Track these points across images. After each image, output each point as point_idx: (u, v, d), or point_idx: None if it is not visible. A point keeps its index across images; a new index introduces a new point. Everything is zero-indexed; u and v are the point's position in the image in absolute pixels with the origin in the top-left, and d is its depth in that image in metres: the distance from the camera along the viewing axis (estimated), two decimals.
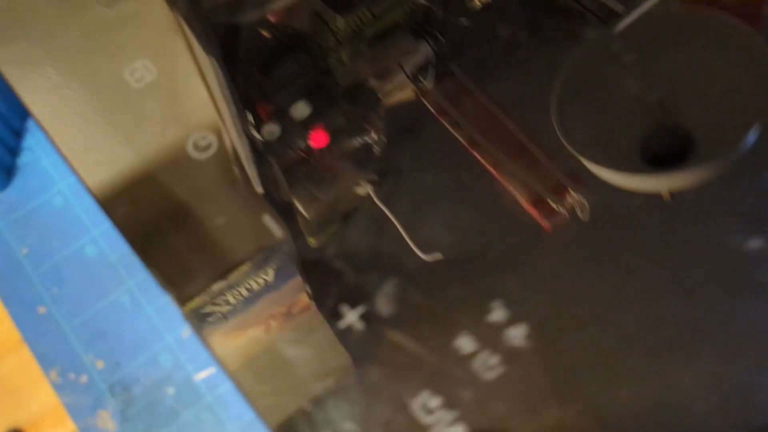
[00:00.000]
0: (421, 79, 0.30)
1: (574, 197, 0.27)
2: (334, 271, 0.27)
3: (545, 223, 0.26)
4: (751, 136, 0.26)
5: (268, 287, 0.26)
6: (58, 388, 0.40)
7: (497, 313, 0.25)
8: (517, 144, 0.28)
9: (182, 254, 0.27)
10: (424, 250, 0.26)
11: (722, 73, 0.28)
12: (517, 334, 0.24)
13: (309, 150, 0.28)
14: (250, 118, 0.30)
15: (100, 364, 0.41)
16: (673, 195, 0.27)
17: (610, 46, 0.29)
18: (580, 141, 0.27)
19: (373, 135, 0.29)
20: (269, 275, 0.26)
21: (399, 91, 0.30)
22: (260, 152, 0.29)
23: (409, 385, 0.24)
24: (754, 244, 0.25)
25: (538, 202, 0.27)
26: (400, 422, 0.23)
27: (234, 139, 0.29)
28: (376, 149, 0.29)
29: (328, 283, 0.26)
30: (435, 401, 0.23)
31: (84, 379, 0.40)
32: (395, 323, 0.25)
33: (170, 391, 0.40)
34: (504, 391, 0.23)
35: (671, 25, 0.29)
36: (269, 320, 0.26)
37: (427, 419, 0.23)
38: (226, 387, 0.39)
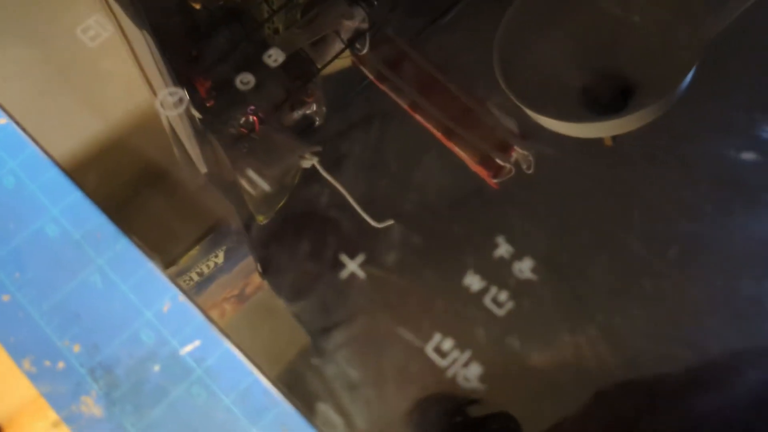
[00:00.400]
0: (358, 46, 0.30)
1: (519, 152, 0.27)
2: (330, 221, 0.26)
3: (492, 182, 0.27)
4: (688, 79, 0.27)
5: (219, 270, 0.26)
6: (34, 378, 0.38)
7: (501, 249, 0.25)
8: (459, 104, 0.29)
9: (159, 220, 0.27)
10: (377, 219, 0.26)
11: (657, 15, 0.29)
12: (523, 268, 0.24)
13: (250, 125, 0.28)
14: (187, 94, 0.29)
15: (76, 348, 0.39)
16: (615, 139, 0.28)
17: None
18: (523, 91, 0.28)
19: (313, 106, 0.29)
20: (219, 258, 0.26)
21: (336, 59, 0.30)
22: (200, 130, 0.29)
23: (420, 329, 0.23)
24: (747, 156, 0.26)
25: (484, 161, 0.27)
26: (415, 367, 0.23)
27: (172, 118, 0.28)
28: (318, 119, 0.29)
29: (324, 233, 0.26)
30: (448, 343, 0.23)
31: (61, 365, 0.39)
32: (399, 269, 0.25)
33: (156, 368, 0.38)
34: (516, 326, 0.23)
35: None
36: (223, 304, 0.26)
37: (442, 362, 0.23)
38: (216, 357, 0.38)
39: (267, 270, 0.26)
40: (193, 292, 0.27)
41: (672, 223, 0.25)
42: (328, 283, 0.25)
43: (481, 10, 0.31)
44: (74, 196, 0.44)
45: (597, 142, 0.28)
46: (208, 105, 0.29)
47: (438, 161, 0.28)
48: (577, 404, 0.23)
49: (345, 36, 0.30)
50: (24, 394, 0.43)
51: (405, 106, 0.28)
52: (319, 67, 0.30)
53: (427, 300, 0.24)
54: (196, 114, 0.29)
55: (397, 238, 0.26)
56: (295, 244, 0.26)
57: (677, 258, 0.24)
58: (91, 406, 0.39)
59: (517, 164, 0.27)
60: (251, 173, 0.27)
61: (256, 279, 0.26)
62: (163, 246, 0.27)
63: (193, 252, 0.26)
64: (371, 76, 0.30)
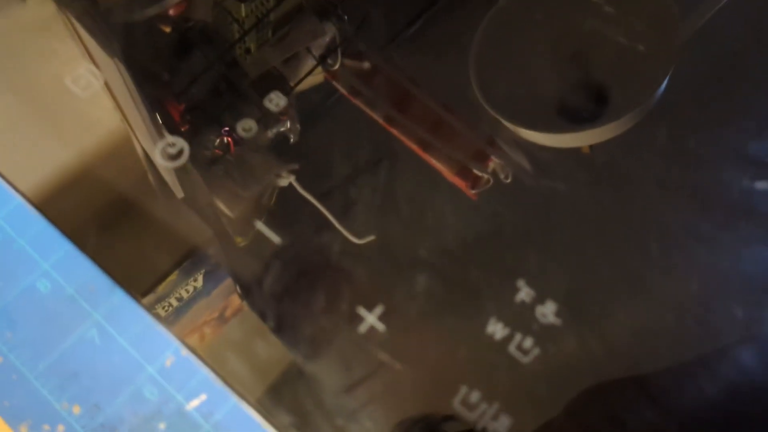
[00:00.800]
0: (330, 61, 0.31)
1: (496, 162, 0.28)
2: (344, 272, 0.26)
3: (470, 193, 0.27)
4: (662, 86, 0.27)
5: (198, 293, 0.26)
6: None
7: (523, 293, 0.25)
8: (435, 117, 0.29)
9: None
10: (357, 235, 0.26)
11: (628, 25, 0.29)
12: (546, 312, 0.24)
13: (225, 146, 0.29)
14: (161, 119, 0.29)
15: (76, 410, 0.38)
16: (593, 148, 0.28)
17: (522, 4, 0.30)
18: (500, 102, 0.28)
19: (287, 123, 0.29)
20: (198, 281, 0.26)
21: (309, 76, 0.31)
22: (175, 155, 0.28)
23: (445, 382, 0.23)
24: (761, 186, 0.26)
25: (461, 172, 0.27)
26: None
27: (146, 144, 0.28)
28: (292, 137, 0.29)
29: (339, 285, 0.26)
30: (475, 395, 0.23)
31: (61, 429, 0.37)
32: (418, 319, 0.25)
33: (162, 426, 0.37)
34: (544, 373, 0.23)
35: None
36: (203, 327, 0.26)
37: (470, 416, 0.22)
38: (224, 411, 0.37)
39: (280, 328, 0.26)
40: (172, 319, 0.27)
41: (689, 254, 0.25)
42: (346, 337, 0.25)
43: (451, 21, 0.31)
44: (65, 248, 0.43)
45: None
46: (182, 129, 0.29)
47: (415, 178, 0.28)
48: None
49: (317, 52, 0.31)
50: None
51: (380, 120, 0.29)
52: (292, 84, 0.30)
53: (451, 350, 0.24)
54: (172, 140, 0.28)
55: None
56: (309, 298, 0.26)
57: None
58: None
59: (494, 174, 0.27)
60: (227, 195, 0.28)
61: (236, 300, 0.26)
62: (140, 274, 0.27)
63: (172, 277, 0.26)
64: (344, 91, 0.30)
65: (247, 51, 0.31)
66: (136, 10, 0.31)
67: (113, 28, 0.31)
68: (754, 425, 0.22)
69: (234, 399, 0.35)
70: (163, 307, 0.26)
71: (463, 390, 0.23)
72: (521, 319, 0.24)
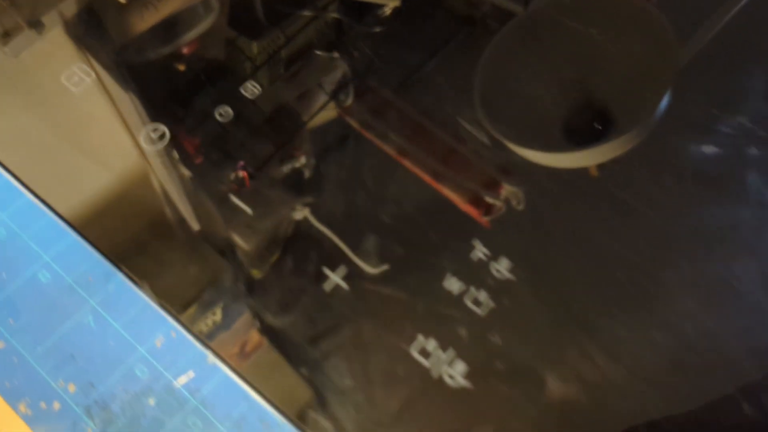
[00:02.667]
0: (342, 97, 0.30)
1: (508, 189, 0.27)
2: (313, 237, 0.27)
3: (483, 220, 0.27)
4: (663, 104, 0.28)
5: (218, 328, 0.26)
6: (30, 421, 0.39)
7: (478, 252, 0.25)
8: (445, 147, 0.29)
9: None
10: (371, 263, 0.26)
11: (630, 48, 0.30)
12: (501, 268, 0.25)
13: (240, 181, 0.28)
14: (177, 153, 0.29)
15: (72, 388, 0.40)
16: (601, 169, 0.28)
17: (523, 32, 0.31)
18: (505, 127, 0.29)
19: (302, 158, 0.29)
20: (218, 315, 0.26)
21: (321, 111, 0.30)
22: (191, 188, 0.29)
23: (404, 332, 0.24)
24: (709, 150, 0.27)
25: (473, 200, 0.27)
26: (401, 370, 0.23)
27: (163, 178, 0.29)
28: (307, 172, 0.29)
29: (308, 249, 0.27)
30: (431, 344, 0.24)
31: (57, 406, 0.39)
32: (380, 277, 0.26)
33: (151, 401, 0.39)
34: (497, 324, 0.24)
35: (575, 7, 0.31)
36: (223, 364, 0.26)
37: (426, 362, 0.23)
38: (210, 387, 0.40)
39: (252, 290, 0.27)
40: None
41: (641, 220, 0.26)
42: (312, 296, 0.26)
43: (462, 60, 0.31)
44: (66, 241, 0.45)
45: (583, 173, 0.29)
46: (197, 162, 0.29)
47: (428, 208, 0.28)
48: (563, 394, 0.23)
49: (329, 88, 0.31)
50: None
51: (392, 153, 0.29)
52: (305, 120, 0.30)
53: (409, 305, 0.25)
54: (187, 172, 0.29)
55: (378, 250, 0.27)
56: (278, 263, 0.27)
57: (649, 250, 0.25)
58: None
59: (507, 201, 0.27)
60: (243, 228, 0.27)
61: (256, 336, 0.25)
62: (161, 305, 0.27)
63: (191, 311, 0.26)
64: (357, 126, 0.30)
65: (260, 87, 0.31)
66: (150, 49, 0.32)
67: (130, 64, 0.31)
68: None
69: (219, 375, 0.38)
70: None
71: (420, 339, 0.24)
72: (477, 275, 0.25)
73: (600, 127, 0.28)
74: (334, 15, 0.32)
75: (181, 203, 0.28)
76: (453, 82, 0.30)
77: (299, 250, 0.27)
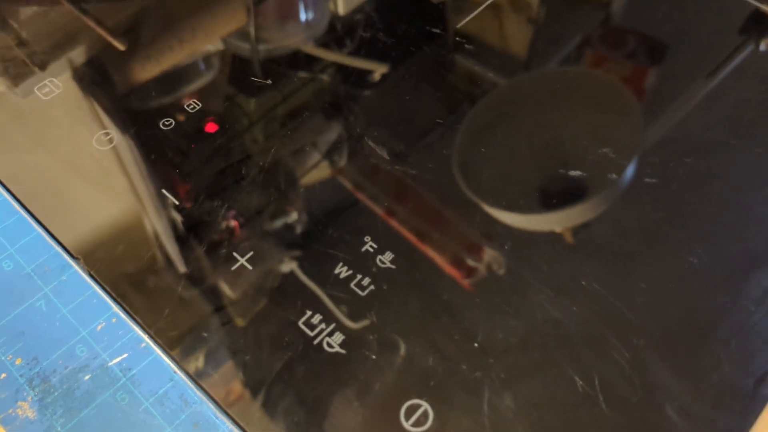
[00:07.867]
0: (336, 157, 0.30)
1: (490, 253, 0.28)
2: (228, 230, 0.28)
3: (465, 282, 0.27)
4: (629, 171, 0.29)
5: (199, 374, 0.25)
6: None
7: (368, 246, 0.28)
8: (430, 210, 0.29)
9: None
10: (355, 320, 0.27)
11: (598, 118, 0.31)
12: (384, 259, 0.27)
13: (230, 230, 0.29)
14: (171, 198, 0.29)
15: (18, 362, 0.43)
16: (576, 234, 0.29)
17: (503, 100, 0.32)
18: (482, 190, 0.30)
19: (293, 214, 0.29)
20: (200, 361, 0.25)
21: (315, 169, 0.30)
22: (181, 233, 0.29)
23: (295, 309, 0.26)
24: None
25: (456, 262, 0.28)
26: (288, 337, 0.26)
27: (154, 219, 0.29)
28: (298, 227, 0.29)
29: (220, 236, 0.28)
30: (316, 318, 0.26)
31: (3, 376, 0.43)
32: (277, 263, 0.28)
33: (86, 377, 0.42)
34: (374, 304, 0.26)
35: (553, 80, 0.33)
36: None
37: (310, 333, 0.26)
38: (140, 367, 0.42)
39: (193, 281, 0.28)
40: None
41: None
42: (220, 272, 0.28)
43: (454, 133, 0.32)
44: (30, 236, 0.49)
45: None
46: (187, 206, 0.29)
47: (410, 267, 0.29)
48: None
49: (323, 148, 0.31)
50: None
51: (381, 213, 0.29)
52: (298, 176, 0.30)
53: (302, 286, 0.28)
54: (178, 217, 0.29)
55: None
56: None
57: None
58: (26, 409, 0.42)
59: (488, 266, 0.28)
60: (231, 276, 0.27)
61: (238, 386, 0.25)
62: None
63: (174, 353, 0.26)
64: (350, 186, 0.30)
65: (255, 142, 0.31)
66: (151, 98, 0.32)
67: (130, 110, 0.32)
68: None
69: (149, 357, 0.41)
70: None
71: (308, 313, 0.27)
72: (363, 264, 0.28)
73: (576, 193, 0.29)
74: (325, 77, 0.32)
75: (169, 246, 0.28)
76: (445, 150, 0.31)
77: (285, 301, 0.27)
